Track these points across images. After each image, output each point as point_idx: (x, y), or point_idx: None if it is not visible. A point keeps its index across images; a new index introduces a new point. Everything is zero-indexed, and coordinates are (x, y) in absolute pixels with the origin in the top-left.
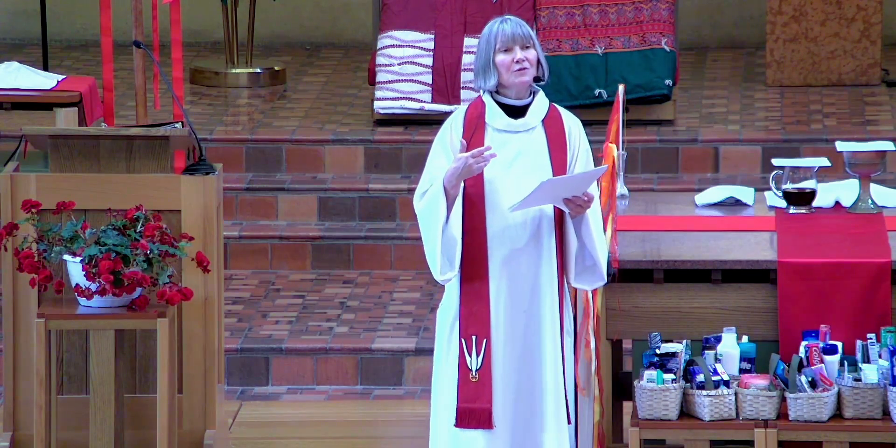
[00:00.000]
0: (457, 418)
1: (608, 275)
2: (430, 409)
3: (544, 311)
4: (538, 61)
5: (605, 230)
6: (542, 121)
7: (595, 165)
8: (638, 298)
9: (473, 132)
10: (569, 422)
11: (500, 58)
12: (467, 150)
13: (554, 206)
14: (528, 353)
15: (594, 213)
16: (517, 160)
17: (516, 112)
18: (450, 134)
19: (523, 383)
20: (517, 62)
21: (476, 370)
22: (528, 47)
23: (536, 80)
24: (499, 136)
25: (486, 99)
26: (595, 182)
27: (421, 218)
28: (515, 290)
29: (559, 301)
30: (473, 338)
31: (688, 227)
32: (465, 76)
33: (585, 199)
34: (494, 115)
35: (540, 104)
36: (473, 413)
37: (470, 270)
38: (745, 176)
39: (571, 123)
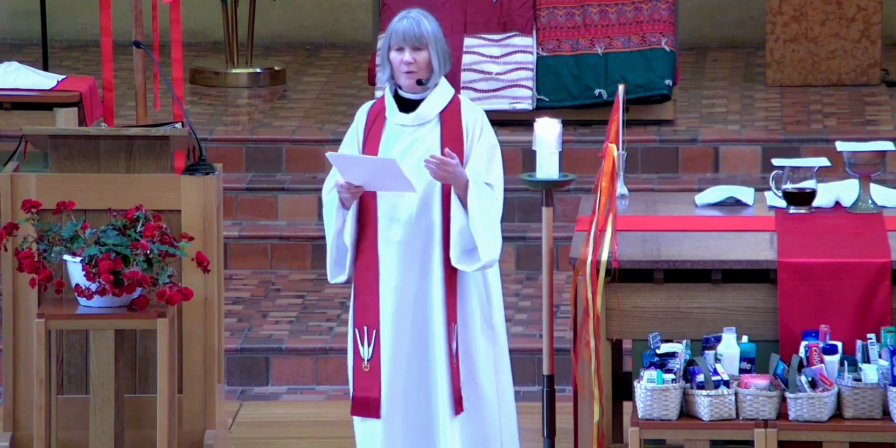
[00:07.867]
0: (352, 406)
1: (607, 274)
2: None
3: (433, 300)
4: (430, 64)
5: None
6: (440, 114)
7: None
8: (638, 298)
9: (373, 126)
10: (457, 412)
11: (393, 55)
12: (364, 143)
13: (442, 194)
14: (418, 343)
15: (475, 197)
16: (407, 153)
17: (412, 106)
18: (354, 128)
19: (413, 373)
20: (405, 64)
21: (367, 360)
22: (419, 49)
23: (420, 82)
24: (396, 129)
25: (387, 93)
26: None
27: (324, 214)
28: (404, 281)
29: (449, 290)
30: (365, 328)
31: (688, 227)
32: (466, 76)
33: (436, 160)
34: (391, 110)
35: (437, 98)
36: (366, 402)
37: (363, 261)
38: (745, 176)
39: (470, 116)
